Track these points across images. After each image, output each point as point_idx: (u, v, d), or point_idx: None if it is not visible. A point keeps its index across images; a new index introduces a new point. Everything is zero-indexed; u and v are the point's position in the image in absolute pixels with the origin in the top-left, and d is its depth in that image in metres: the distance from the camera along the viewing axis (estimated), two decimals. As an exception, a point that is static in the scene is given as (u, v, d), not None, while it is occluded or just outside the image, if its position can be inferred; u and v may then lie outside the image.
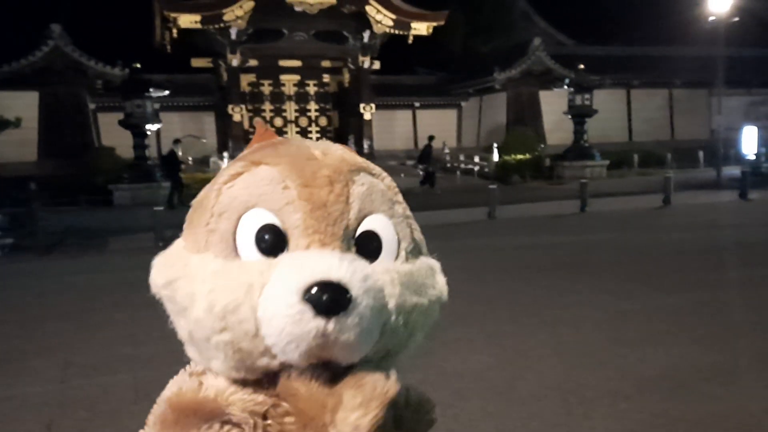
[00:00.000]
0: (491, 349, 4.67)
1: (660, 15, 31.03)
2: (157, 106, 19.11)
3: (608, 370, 4.18)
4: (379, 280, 0.75)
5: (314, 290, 0.69)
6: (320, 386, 0.73)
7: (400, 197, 0.87)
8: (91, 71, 21.49)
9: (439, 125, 29.35)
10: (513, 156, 22.78)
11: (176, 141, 17.91)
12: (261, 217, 0.77)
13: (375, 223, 0.80)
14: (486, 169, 23.14)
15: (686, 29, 25.99)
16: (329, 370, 0.73)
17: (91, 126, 23.38)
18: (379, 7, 24.29)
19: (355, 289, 0.70)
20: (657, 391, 3.81)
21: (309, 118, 28.03)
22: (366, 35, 25.72)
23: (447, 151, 26.67)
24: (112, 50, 21.32)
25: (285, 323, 0.69)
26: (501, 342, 4.84)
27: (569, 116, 22.14)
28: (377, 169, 0.87)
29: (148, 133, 18.42)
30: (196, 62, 26.19)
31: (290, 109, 27.39)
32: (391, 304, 0.76)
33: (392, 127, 29.14)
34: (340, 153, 0.84)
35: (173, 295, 0.78)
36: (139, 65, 18.86)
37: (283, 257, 0.74)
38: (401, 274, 0.79)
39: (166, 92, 19.37)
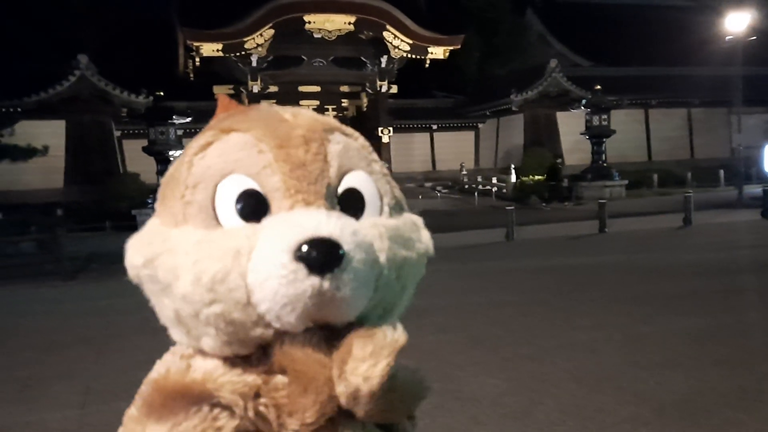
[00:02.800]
0: (508, 373, 4.66)
1: (676, 35, 30.95)
2: (180, 132, 19.49)
3: (627, 395, 4.14)
4: (368, 235, 0.74)
5: (305, 248, 0.67)
6: (316, 346, 0.71)
7: (375, 156, 0.86)
8: (117, 100, 22.00)
9: (456, 147, 29.49)
10: (531, 177, 22.75)
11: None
12: (239, 183, 0.74)
13: (356, 179, 0.79)
14: (504, 190, 23.12)
15: (703, 49, 25.91)
16: (323, 331, 0.72)
17: (116, 153, 23.87)
18: (396, 33, 24.62)
19: (347, 244, 0.69)
20: (677, 417, 3.76)
21: (328, 142, 28.26)
22: (383, 60, 26.05)
23: (465, 172, 26.72)
24: (137, 79, 21.82)
25: (279, 285, 0.67)
26: (517, 366, 4.82)
27: (587, 137, 22.11)
28: (349, 129, 0.86)
29: (171, 158, 18.76)
30: (218, 89, 26.68)
31: (309, 133, 27.71)
32: (382, 257, 0.75)
33: (410, 149, 29.31)
34: (311, 114, 0.83)
35: (154, 273, 0.74)
36: (162, 93, 19.30)
37: (267, 220, 0.72)
38: (388, 228, 0.78)
39: (189, 119, 19.74)
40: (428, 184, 26.29)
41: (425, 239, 0.85)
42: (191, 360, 0.77)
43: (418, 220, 0.87)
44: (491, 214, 17.55)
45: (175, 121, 18.65)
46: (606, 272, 8.76)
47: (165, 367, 0.78)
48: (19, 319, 7.44)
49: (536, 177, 22.65)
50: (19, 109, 20.49)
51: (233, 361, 0.74)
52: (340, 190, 0.77)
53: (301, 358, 0.71)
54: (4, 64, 18.28)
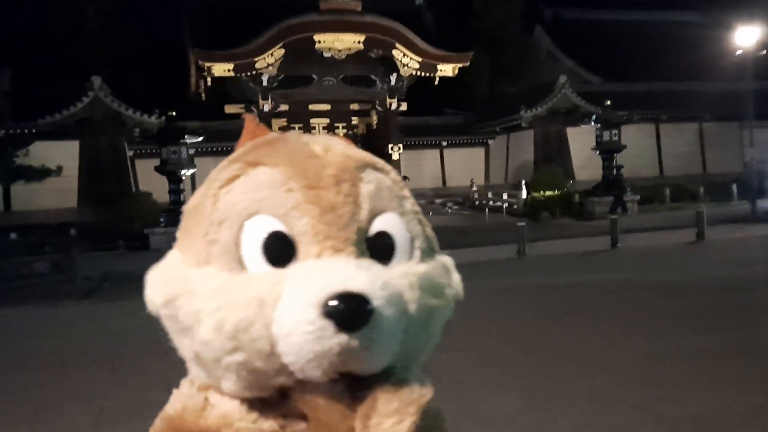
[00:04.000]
0: (522, 392, 4.62)
1: (686, 50, 30.95)
2: (191, 151, 19.68)
3: (643, 414, 4.09)
4: (397, 286, 0.71)
5: (334, 303, 0.64)
6: (339, 395, 0.69)
7: (407, 192, 0.83)
8: (129, 120, 22.28)
9: (466, 164, 29.53)
10: (541, 193, 22.72)
11: (404, 178, 18.68)
12: (266, 224, 0.71)
13: (387, 222, 0.75)
14: (515, 207, 23.08)
15: (714, 64, 25.87)
16: (346, 379, 0.69)
17: (129, 172, 24.13)
18: (406, 51, 24.82)
19: (376, 300, 0.66)
20: (693, 436, 3.72)
21: (338, 160, 28.44)
22: (393, 78, 26.25)
23: (475, 189, 26.73)
24: (149, 100, 22.11)
25: (305, 340, 0.65)
26: (531, 385, 4.78)
27: (597, 152, 22.07)
28: (381, 163, 0.82)
29: (183, 178, 18.94)
30: (230, 109, 26.96)
31: (320, 151, 27.87)
32: (412, 308, 0.72)
33: (420, 166, 29.39)
34: (342, 149, 0.78)
35: (175, 314, 0.72)
36: (174, 113, 19.53)
37: (294, 267, 0.70)
38: (419, 276, 0.75)
39: (201, 138, 19.95)
40: (439, 201, 26.29)
41: (455, 283, 0.82)
42: (208, 393, 0.75)
43: (449, 263, 0.84)
44: (502, 231, 17.49)
45: (186, 141, 18.85)
46: (619, 289, 8.70)
47: (181, 404, 0.76)
48: (33, 339, 7.48)
49: (547, 193, 22.60)
50: (33, 131, 20.81)
51: (252, 402, 0.72)
52: (371, 233, 0.74)
53: (323, 407, 0.68)
54: (19, 86, 18.61)
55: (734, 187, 23.70)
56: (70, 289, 10.64)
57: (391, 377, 0.71)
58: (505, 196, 24.39)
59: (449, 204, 25.48)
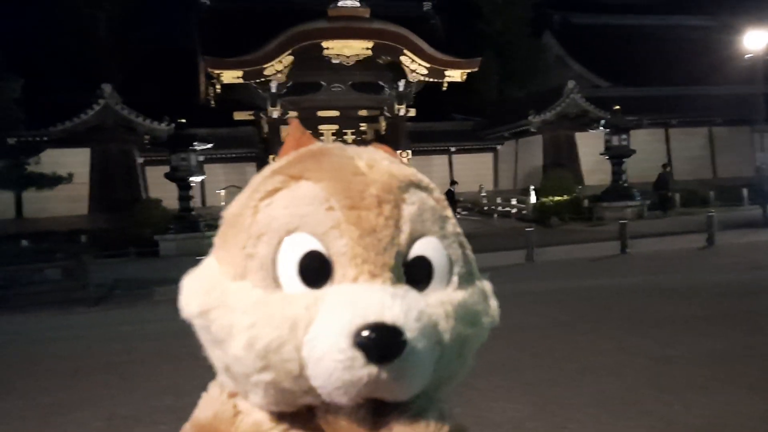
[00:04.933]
0: (530, 398, 4.61)
1: (696, 54, 30.83)
2: (201, 158, 19.80)
3: (653, 420, 4.07)
4: (433, 315, 0.71)
5: (366, 333, 0.64)
6: (362, 419, 0.69)
7: (449, 212, 0.81)
8: (140, 128, 22.44)
9: (475, 169, 29.50)
10: (551, 198, 22.66)
11: (453, 182, 19.98)
12: (304, 242, 0.70)
13: (426, 247, 0.74)
14: (524, 212, 23.03)
15: (723, 68, 25.76)
16: (371, 403, 0.69)
17: (139, 179, 24.29)
18: (414, 57, 24.86)
19: (410, 332, 0.65)
20: (703, 441, 3.70)
21: (347, 166, 28.53)
22: (401, 84, 26.29)
23: (484, 194, 26.70)
24: (159, 107, 22.26)
25: (334, 368, 0.65)
26: (541, 390, 4.77)
27: (606, 157, 22.01)
28: (425, 181, 0.81)
29: (193, 184, 19.05)
30: (239, 115, 27.10)
31: (329, 157, 27.93)
32: (446, 338, 0.72)
33: (429, 172, 28.86)
34: (387, 165, 0.77)
35: (209, 325, 0.73)
36: (184, 120, 19.66)
37: (329, 290, 0.69)
38: (455, 305, 0.74)
39: (210, 145, 20.08)
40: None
41: (492, 310, 0.82)
42: (237, 400, 0.75)
43: (488, 288, 0.83)
44: (511, 236, 17.46)
45: (196, 148, 18.96)
46: (629, 294, 8.66)
47: (211, 410, 0.76)
48: (44, 345, 7.55)
49: (556, 198, 22.54)
50: (45, 138, 21.00)
51: (280, 412, 0.73)
52: (409, 257, 0.73)
53: (345, 430, 0.69)
54: (30, 94, 18.78)
55: (745, 191, 23.55)
56: (82, 295, 10.72)
57: (412, 406, 0.70)
58: (513, 202, 24.34)
59: (458, 209, 25.46)
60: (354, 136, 28.67)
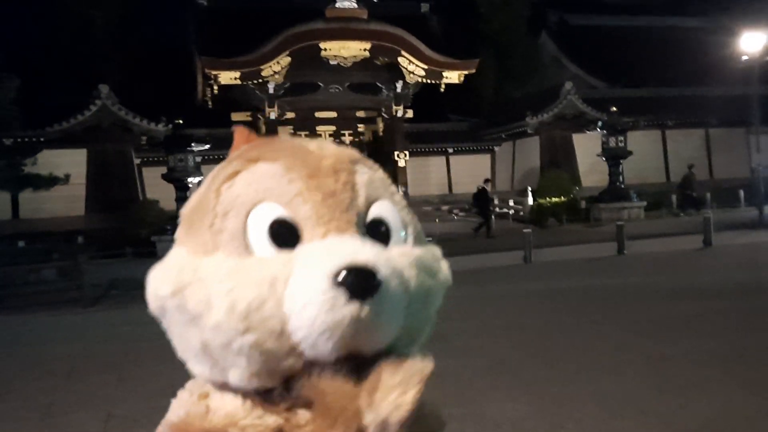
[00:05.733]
0: (529, 397, 4.62)
1: (692, 56, 30.91)
2: (198, 159, 19.77)
3: (651, 418, 4.09)
4: (398, 263, 0.75)
5: (344, 274, 0.67)
6: (345, 377, 0.71)
7: (395, 188, 0.88)
8: (137, 128, 22.40)
9: (472, 170, 29.50)
10: (548, 199, 22.69)
11: (486, 181, 20.42)
12: (271, 210, 0.75)
13: (383, 209, 0.80)
14: (521, 213, 23.06)
15: (720, 69, 25.82)
16: (350, 363, 0.71)
17: (136, 180, 24.24)
18: (411, 58, 24.89)
19: (383, 271, 0.70)
20: (702, 440, 3.71)
21: (344, 167, 28.54)
22: (399, 85, 26.32)
23: (482, 196, 26.70)
24: (156, 108, 22.22)
25: (318, 311, 0.67)
26: (539, 389, 4.78)
27: (603, 158, 22.06)
28: (370, 161, 0.87)
29: (190, 185, 19.01)
30: (236, 116, 27.07)
31: (326, 158, 27.91)
32: (412, 285, 0.76)
33: (426, 173, 29.40)
34: (335, 146, 0.84)
35: (184, 303, 0.73)
36: (181, 121, 19.65)
37: (302, 247, 0.73)
38: (415, 257, 0.79)
39: (208, 146, 20.05)
40: (445, 207, 26.29)
41: (445, 269, 0.87)
42: (208, 400, 0.77)
43: (438, 251, 0.88)
44: (508, 237, 17.48)
45: (193, 149, 18.94)
46: (626, 294, 8.68)
47: (183, 410, 0.78)
48: (41, 345, 7.53)
49: (553, 199, 22.58)
50: (41, 139, 20.93)
51: (254, 399, 0.74)
52: (368, 219, 0.79)
53: (330, 389, 0.70)
54: (27, 95, 18.73)
55: (741, 192, 23.62)
56: (78, 295, 10.69)
57: (393, 354, 0.74)
58: (511, 203, 24.36)
59: (455, 210, 25.47)
60: (352, 137, 28.70)
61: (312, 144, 0.83)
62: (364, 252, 0.70)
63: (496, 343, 6.15)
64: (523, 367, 5.38)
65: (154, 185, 22.49)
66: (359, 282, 0.67)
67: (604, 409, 4.30)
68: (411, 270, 0.77)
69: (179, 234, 0.82)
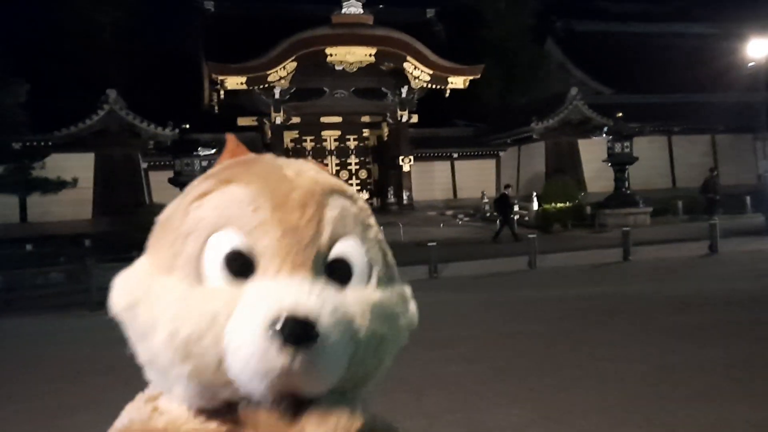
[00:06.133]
0: (533, 404, 4.62)
1: (699, 62, 30.87)
2: (205, 163, 19.84)
3: (655, 428, 4.08)
4: (349, 311, 0.73)
5: (281, 324, 0.66)
6: (281, 415, 0.71)
7: (372, 220, 0.84)
8: (144, 133, 22.50)
9: (477, 175, 29.53)
10: (553, 204, 22.67)
11: (507, 186, 20.65)
12: (229, 239, 0.73)
13: (347, 247, 0.77)
14: (526, 218, 23.04)
15: (726, 75, 25.80)
16: (293, 397, 0.71)
17: (143, 184, 24.35)
18: (417, 64, 24.97)
19: (324, 323, 0.68)
20: (706, 449, 3.70)
21: (350, 171, 28.62)
22: (404, 90, 26.40)
23: (486, 200, 26.73)
24: (164, 112, 22.32)
25: (250, 357, 0.67)
26: (543, 396, 4.78)
27: (609, 164, 22.04)
28: (350, 190, 0.84)
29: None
30: (242, 121, 27.19)
31: (331, 163, 28.04)
32: (361, 334, 0.74)
33: (431, 178, 29.43)
34: (313, 174, 0.81)
35: (134, 319, 0.75)
36: (188, 126, 19.76)
37: (250, 285, 0.72)
38: (372, 303, 0.77)
39: (214, 150, 20.13)
40: (450, 212, 26.30)
41: (411, 313, 0.84)
42: (157, 402, 0.77)
43: (407, 292, 0.85)
44: (513, 242, 17.47)
45: (200, 153, 19.06)
46: (631, 301, 8.67)
47: (128, 417, 0.79)
48: (48, 348, 7.58)
49: (558, 204, 22.55)
50: (50, 143, 21.05)
51: (200, 408, 0.74)
52: (330, 257, 0.76)
53: (264, 423, 0.70)
54: (35, 99, 18.86)
55: (747, 199, 23.54)
56: (85, 299, 10.75)
57: (325, 402, 0.72)
58: (516, 208, 24.35)
59: (460, 215, 25.47)
60: (356, 142, 28.76)
61: (290, 169, 0.80)
62: (307, 301, 0.68)
63: (500, 350, 6.16)
64: (528, 374, 5.38)
65: (161, 189, 22.58)
66: (294, 333, 0.66)
67: (607, 417, 4.31)
68: (363, 318, 0.75)
69: (150, 241, 0.82)
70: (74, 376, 6.08)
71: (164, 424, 0.74)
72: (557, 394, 4.81)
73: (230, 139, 0.90)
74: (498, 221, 20.04)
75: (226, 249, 0.73)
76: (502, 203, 19.80)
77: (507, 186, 21.73)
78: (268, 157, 0.85)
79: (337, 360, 0.71)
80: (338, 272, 0.76)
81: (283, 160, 0.84)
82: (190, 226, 0.76)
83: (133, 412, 0.79)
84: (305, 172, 0.80)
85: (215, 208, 0.75)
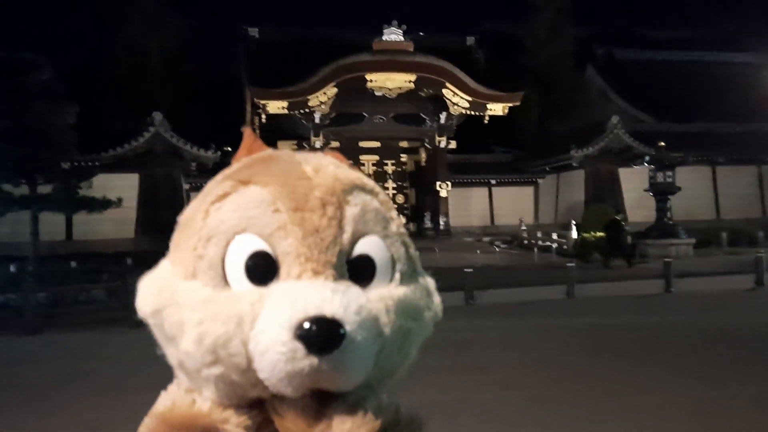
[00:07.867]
0: (569, 435, 4.54)
1: (743, 91, 30.26)
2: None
3: (695, 463, 3.97)
4: (373, 309, 0.73)
5: (307, 326, 0.67)
6: (307, 408, 0.72)
7: (394, 213, 0.84)
8: (187, 154, 23.07)
9: (515, 202, 29.32)
10: (592, 233, 22.30)
11: (618, 212, 20.95)
12: (251, 243, 0.74)
13: (369, 245, 0.77)
14: (564, 247, 22.71)
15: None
16: (317, 392, 0.72)
17: (184, 205, 23.61)
18: (456, 90, 25.09)
19: (349, 324, 0.68)
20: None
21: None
22: (443, 116, 26.52)
23: (524, 227, 26.48)
24: (206, 135, 22.89)
25: (277, 360, 0.68)
26: (579, 428, 4.69)
27: (651, 194, 21.63)
28: (370, 184, 0.84)
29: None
30: (282, 145, 27.54)
31: (369, 187, 28.13)
32: (387, 331, 0.74)
33: (468, 204, 29.33)
34: (333, 170, 0.80)
35: (161, 323, 0.76)
36: (230, 148, 20.13)
37: (274, 287, 0.72)
38: (396, 299, 0.77)
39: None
40: (486, 239, 26.12)
41: (435, 306, 0.84)
42: (195, 394, 0.78)
43: (431, 285, 0.86)
44: (551, 271, 17.21)
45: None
46: (672, 333, 8.44)
47: (170, 400, 0.80)
48: (89, 363, 7.75)
49: (598, 233, 22.17)
50: (97, 164, 21.74)
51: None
52: (352, 255, 0.76)
53: (289, 418, 0.72)
54: (84, 121, 19.54)
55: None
56: (125, 316, 10.95)
57: (351, 396, 0.73)
58: (554, 236, 24.03)
59: (497, 242, 25.27)
60: (394, 167, 28.92)
61: (309, 165, 0.80)
62: (331, 303, 0.68)
63: (536, 378, 6.06)
64: (564, 404, 5.28)
65: (201, 210, 22.97)
66: (320, 335, 0.67)
67: (646, 451, 4.20)
68: (388, 315, 0.75)
69: (172, 243, 0.83)
70: (114, 391, 6.19)
71: (209, 407, 0.75)
72: (594, 426, 4.71)
73: (247, 133, 0.90)
74: (609, 247, 19.45)
75: (248, 252, 0.73)
76: (614, 229, 19.37)
77: (618, 212, 21.53)
78: (286, 153, 0.85)
79: (363, 359, 0.71)
80: (361, 269, 0.76)
81: (301, 156, 0.83)
82: (211, 229, 0.76)
83: (173, 397, 0.80)
84: (324, 168, 0.80)
85: (235, 210, 0.76)
